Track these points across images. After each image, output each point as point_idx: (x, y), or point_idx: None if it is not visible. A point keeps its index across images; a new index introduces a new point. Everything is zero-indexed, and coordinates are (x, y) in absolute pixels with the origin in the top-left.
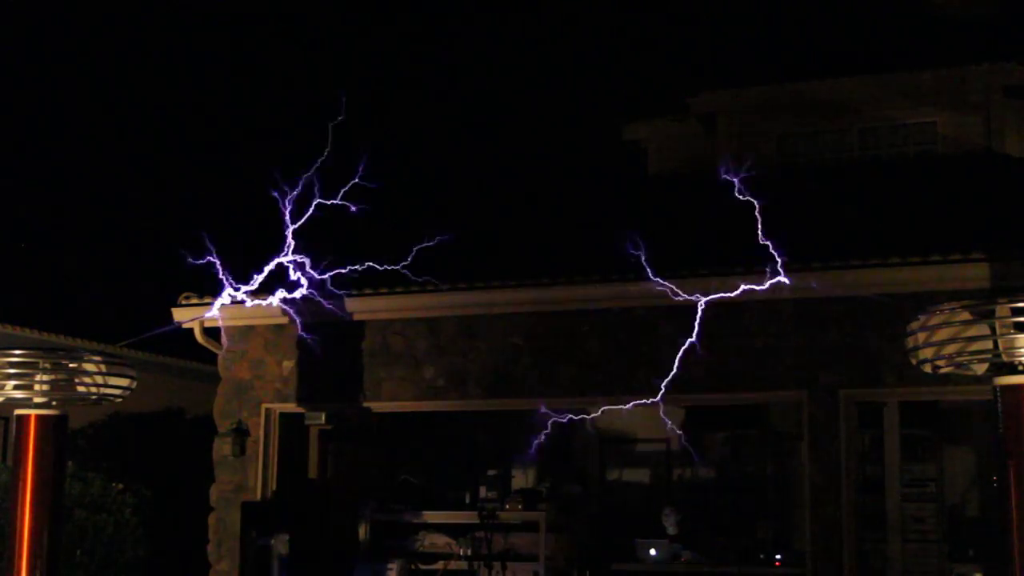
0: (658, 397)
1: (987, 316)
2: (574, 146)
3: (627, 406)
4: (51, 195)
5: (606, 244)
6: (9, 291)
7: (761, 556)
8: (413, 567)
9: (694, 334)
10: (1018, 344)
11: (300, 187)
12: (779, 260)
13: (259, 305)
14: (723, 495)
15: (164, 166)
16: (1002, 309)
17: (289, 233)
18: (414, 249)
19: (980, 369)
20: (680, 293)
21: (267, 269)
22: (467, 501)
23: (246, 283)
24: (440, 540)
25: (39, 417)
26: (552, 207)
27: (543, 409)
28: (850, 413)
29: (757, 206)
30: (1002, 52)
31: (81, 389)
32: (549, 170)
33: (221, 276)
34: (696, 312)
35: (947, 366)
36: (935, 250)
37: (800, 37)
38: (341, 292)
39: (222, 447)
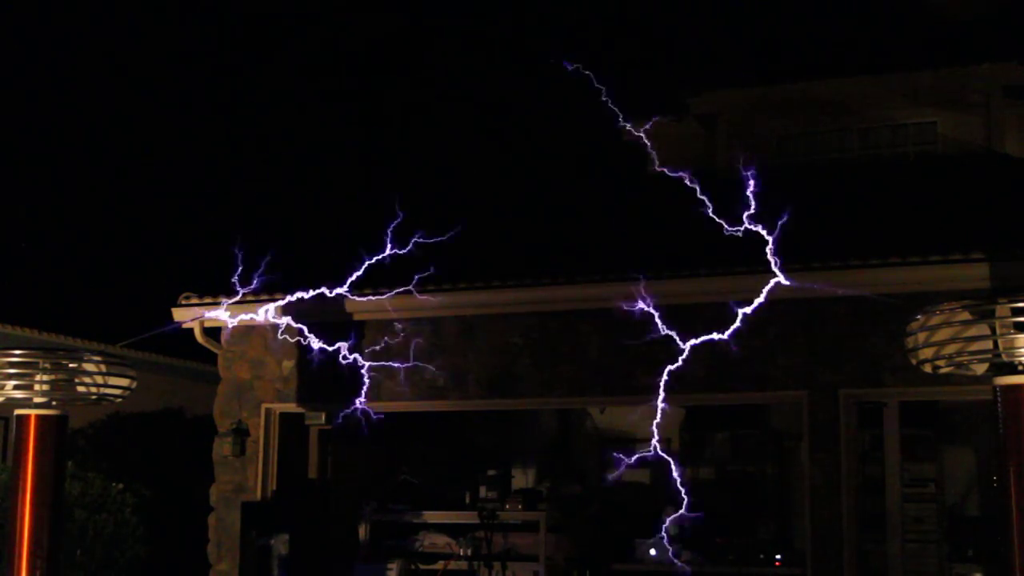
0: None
1: (987, 316)
2: (574, 146)
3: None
4: (51, 195)
5: (606, 244)
6: (9, 291)
7: (761, 556)
8: (413, 567)
9: (695, 334)
10: (1018, 344)
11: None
12: (780, 260)
13: (260, 305)
14: (723, 495)
15: (164, 166)
16: (1002, 309)
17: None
18: (415, 249)
19: (980, 369)
20: (680, 293)
21: (265, 265)
22: (467, 501)
23: (247, 284)
24: (440, 540)
25: (39, 417)
26: (552, 207)
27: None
28: (850, 413)
29: (757, 206)
30: (1002, 52)
31: (81, 389)
32: (549, 170)
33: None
34: (696, 312)
35: (947, 366)
36: (935, 250)
37: (800, 37)
38: (341, 292)
39: (222, 447)
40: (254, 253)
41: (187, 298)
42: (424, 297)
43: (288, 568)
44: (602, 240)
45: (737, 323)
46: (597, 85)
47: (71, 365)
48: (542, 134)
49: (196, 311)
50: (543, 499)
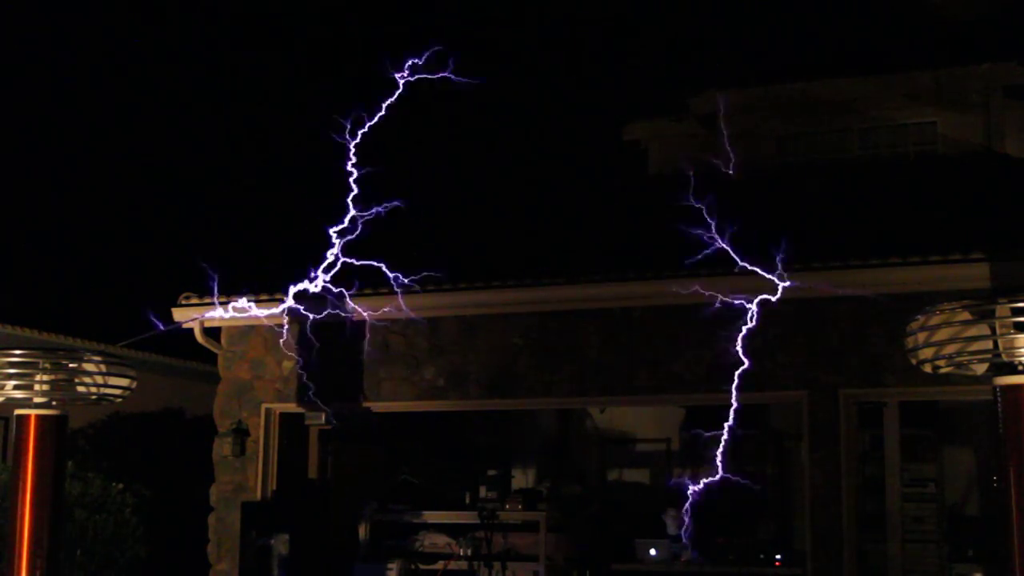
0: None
1: (987, 316)
2: (574, 146)
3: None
4: (52, 195)
5: (606, 244)
6: (9, 291)
7: (761, 556)
8: (413, 567)
9: (694, 334)
10: (1018, 344)
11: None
12: (780, 260)
13: (261, 305)
14: (723, 495)
15: (164, 166)
16: (1002, 309)
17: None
18: (415, 249)
19: (980, 369)
20: (680, 293)
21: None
22: (467, 501)
23: (247, 283)
24: (440, 540)
25: (39, 417)
26: (552, 207)
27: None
28: (850, 413)
29: (759, 207)
30: (1002, 52)
31: (81, 389)
32: (549, 170)
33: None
34: (696, 312)
35: (947, 366)
36: (935, 250)
37: (800, 37)
38: (342, 292)
39: (222, 447)
40: (255, 253)
41: (187, 298)
42: (424, 297)
43: (288, 568)
44: (602, 240)
45: (737, 322)
46: (597, 85)
47: (71, 365)
48: (542, 134)
49: (196, 311)
50: (543, 499)
